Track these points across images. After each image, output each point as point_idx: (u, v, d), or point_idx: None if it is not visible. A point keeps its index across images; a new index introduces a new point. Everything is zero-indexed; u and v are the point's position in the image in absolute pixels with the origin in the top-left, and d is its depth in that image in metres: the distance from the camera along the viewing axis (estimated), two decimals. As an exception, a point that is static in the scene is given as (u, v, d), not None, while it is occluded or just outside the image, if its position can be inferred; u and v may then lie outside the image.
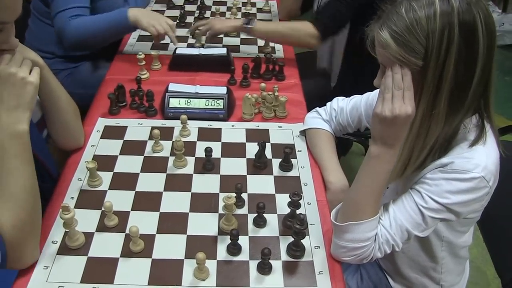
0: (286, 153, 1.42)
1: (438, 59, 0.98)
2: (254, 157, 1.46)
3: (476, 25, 0.97)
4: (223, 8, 2.48)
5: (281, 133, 1.62)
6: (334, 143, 1.52)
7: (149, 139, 1.55)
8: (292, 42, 2.08)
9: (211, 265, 1.14)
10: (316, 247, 1.21)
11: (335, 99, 1.56)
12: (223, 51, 1.96)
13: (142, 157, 1.48)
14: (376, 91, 1.42)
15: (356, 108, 1.48)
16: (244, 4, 2.54)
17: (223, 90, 1.69)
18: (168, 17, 2.37)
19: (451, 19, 0.97)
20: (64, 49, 2.05)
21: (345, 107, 1.50)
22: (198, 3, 2.50)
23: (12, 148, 1.08)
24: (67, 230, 1.17)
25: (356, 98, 1.51)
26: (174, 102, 1.65)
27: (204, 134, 1.59)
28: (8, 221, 1.04)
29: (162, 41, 2.02)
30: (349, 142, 2.76)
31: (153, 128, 1.55)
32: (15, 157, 1.08)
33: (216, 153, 1.49)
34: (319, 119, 1.55)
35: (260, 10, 2.55)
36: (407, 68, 1.02)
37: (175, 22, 2.22)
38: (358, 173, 1.14)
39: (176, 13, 2.38)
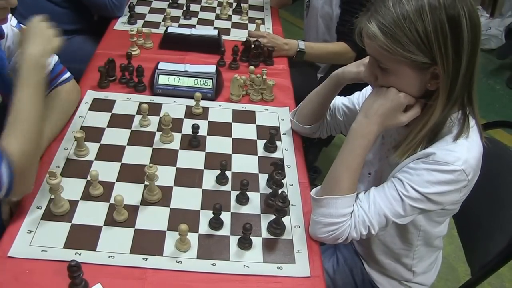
0: (272, 134, 1.44)
1: (433, 53, 1.02)
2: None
3: (460, 19, 1.00)
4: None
5: (267, 115, 1.64)
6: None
7: (137, 113, 1.56)
8: (335, 63, 2.16)
9: (193, 238, 1.16)
10: (296, 227, 1.24)
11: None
12: (214, 32, 1.98)
13: (129, 130, 1.49)
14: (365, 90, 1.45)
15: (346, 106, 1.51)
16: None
17: (212, 68, 1.71)
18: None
19: (440, 14, 0.99)
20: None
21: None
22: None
23: (31, 77, 1.17)
24: (52, 196, 1.18)
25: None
26: (163, 79, 1.66)
27: (192, 112, 1.60)
28: (16, 149, 1.09)
29: (153, 20, 2.01)
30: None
31: (141, 103, 1.56)
32: (31, 86, 1.16)
33: (202, 131, 1.51)
34: None
35: None
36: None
37: None
38: None
39: (169, -7, 2.38)
